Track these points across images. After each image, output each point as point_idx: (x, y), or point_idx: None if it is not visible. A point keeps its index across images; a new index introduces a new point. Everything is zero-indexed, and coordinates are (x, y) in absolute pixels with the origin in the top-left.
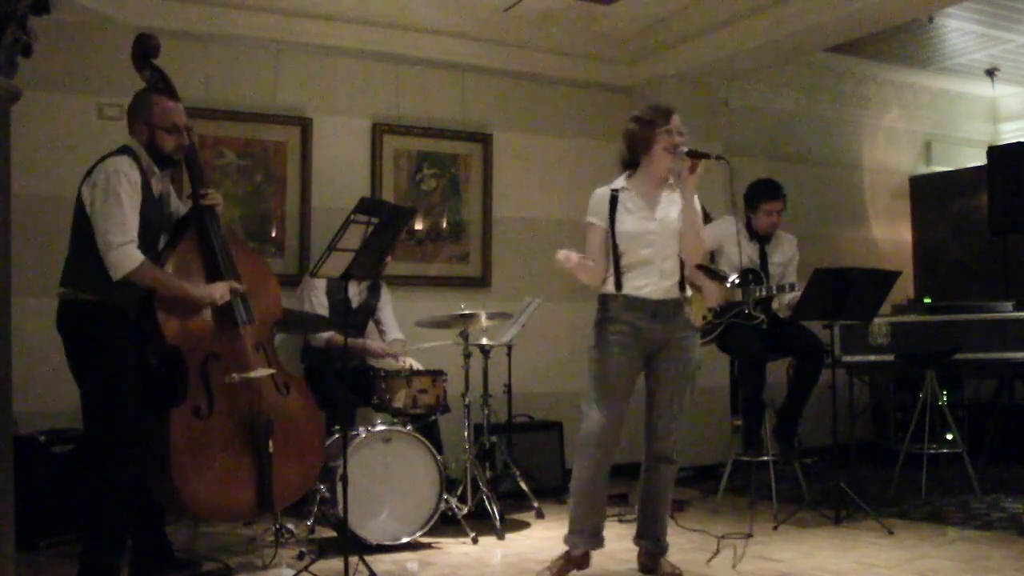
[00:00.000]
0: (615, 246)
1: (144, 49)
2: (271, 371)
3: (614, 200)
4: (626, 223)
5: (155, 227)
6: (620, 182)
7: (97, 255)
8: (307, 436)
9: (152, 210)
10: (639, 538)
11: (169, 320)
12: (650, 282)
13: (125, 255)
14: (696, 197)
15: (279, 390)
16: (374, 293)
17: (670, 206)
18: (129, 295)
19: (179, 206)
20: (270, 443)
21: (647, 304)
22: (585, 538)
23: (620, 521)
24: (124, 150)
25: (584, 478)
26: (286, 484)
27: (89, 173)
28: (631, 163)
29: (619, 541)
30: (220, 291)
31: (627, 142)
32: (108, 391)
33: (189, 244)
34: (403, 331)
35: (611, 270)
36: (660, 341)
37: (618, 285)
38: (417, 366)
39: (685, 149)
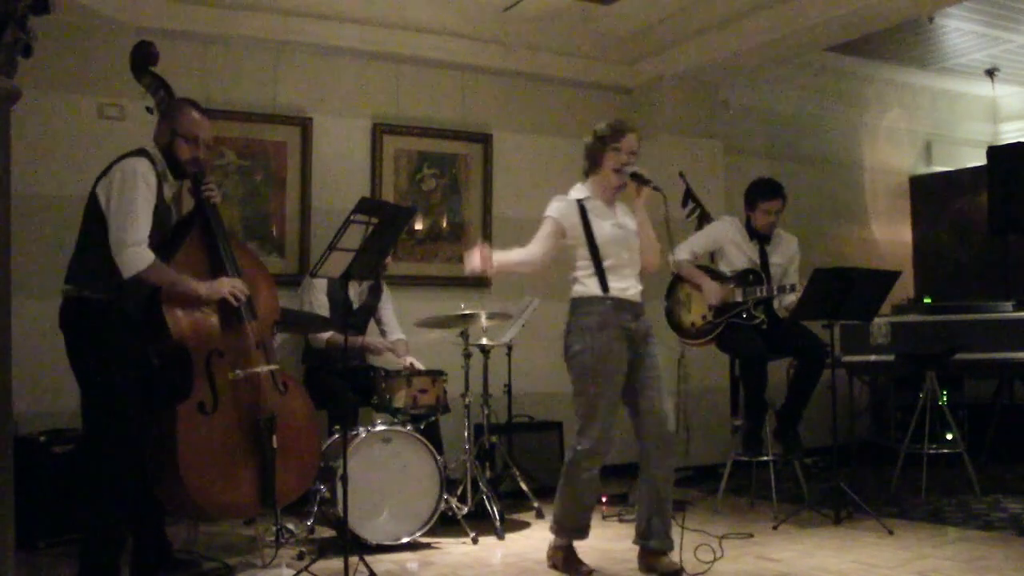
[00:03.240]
0: (596, 250)
1: (143, 57)
2: (273, 367)
3: (583, 209)
4: (605, 229)
5: (163, 232)
6: (581, 192)
7: (105, 253)
8: (305, 435)
9: (162, 214)
10: (644, 539)
11: (174, 316)
12: (630, 285)
13: (137, 255)
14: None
15: (278, 389)
16: (374, 293)
17: (626, 216)
18: (134, 294)
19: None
20: (274, 438)
21: (632, 306)
22: (576, 534)
23: (620, 521)
24: (142, 152)
25: (584, 484)
26: (284, 483)
27: (106, 172)
28: (587, 172)
29: (619, 541)
30: (228, 286)
31: (585, 154)
32: (109, 390)
33: (194, 241)
34: (403, 331)
35: (591, 273)
36: (641, 341)
37: (605, 287)
38: (419, 365)
39: (630, 171)
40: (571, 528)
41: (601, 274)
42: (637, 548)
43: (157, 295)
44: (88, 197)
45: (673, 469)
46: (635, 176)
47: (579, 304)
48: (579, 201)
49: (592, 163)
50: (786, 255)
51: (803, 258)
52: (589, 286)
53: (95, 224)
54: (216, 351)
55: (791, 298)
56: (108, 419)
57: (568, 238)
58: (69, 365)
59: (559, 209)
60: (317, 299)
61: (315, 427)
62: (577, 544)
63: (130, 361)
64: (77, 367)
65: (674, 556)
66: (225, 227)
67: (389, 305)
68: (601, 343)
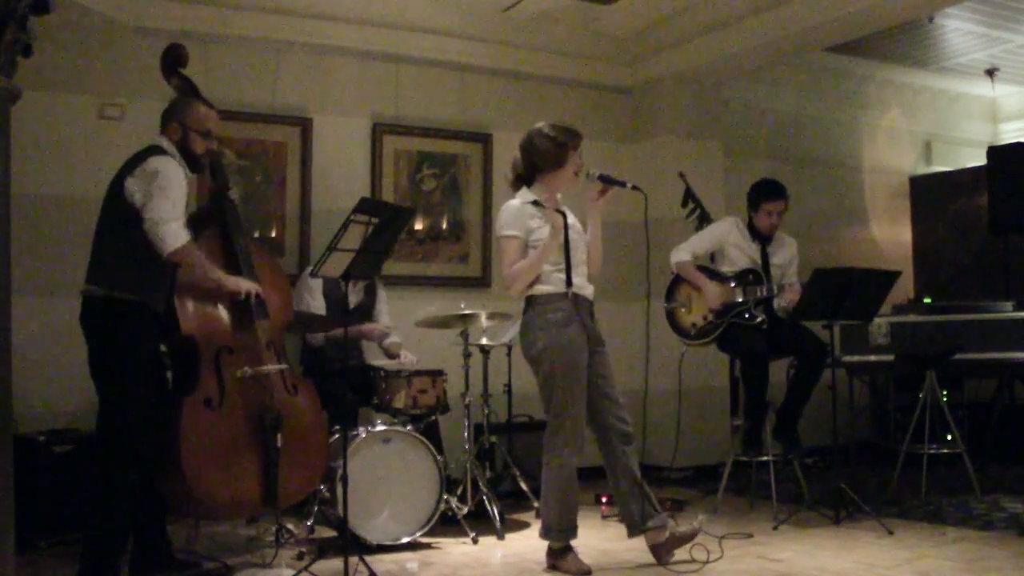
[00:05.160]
0: (568, 249)
1: (173, 58)
2: (283, 367)
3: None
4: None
5: None
6: (529, 195)
7: (133, 252)
8: (312, 437)
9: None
10: (643, 524)
11: (186, 310)
12: (586, 283)
13: (175, 230)
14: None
15: (287, 389)
16: (370, 293)
17: (569, 215)
18: (159, 293)
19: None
20: (278, 437)
21: (588, 303)
22: (567, 535)
23: (620, 521)
24: (159, 150)
25: (566, 482)
26: (290, 484)
27: (131, 170)
28: (528, 174)
29: (619, 541)
30: (247, 285)
31: (533, 155)
32: (130, 389)
33: (211, 238)
34: (403, 331)
35: (557, 270)
36: (595, 338)
37: (569, 283)
38: (414, 359)
39: (596, 172)
40: (561, 529)
41: (568, 271)
42: (638, 545)
43: (171, 288)
44: (111, 195)
45: (636, 456)
46: (604, 178)
47: (542, 300)
48: (534, 203)
49: (545, 166)
50: (786, 257)
51: (803, 258)
52: (553, 282)
53: (119, 223)
54: (226, 348)
55: (794, 291)
56: (126, 417)
57: (535, 240)
58: (88, 365)
59: (513, 221)
60: (313, 298)
61: (322, 429)
62: (577, 544)
63: (149, 362)
64: (98, 366)
65: (673, 556)
66: (244, 226)
67: (384, 305)
68: (567, 338)
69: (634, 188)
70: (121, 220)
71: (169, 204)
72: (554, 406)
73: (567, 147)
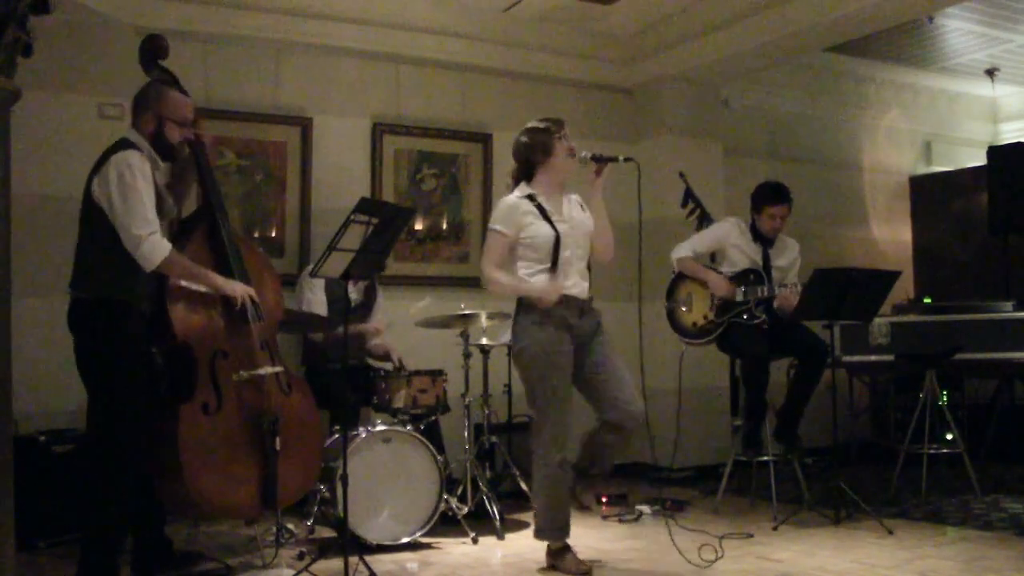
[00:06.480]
0: (557, 248)
1: (152, 50)
2: (278, 369)
3: (539, 207)
4: (559, 226)
5: (162, 219)
6: (527, 189)
7: (111, 253)
8: (308, 436)
9: (159, 202)
10: (580, 480)
11: (179, 315)
12: (575, 282)
13: (154, 246)
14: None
15: (282, 389)
16: (370, 292)
17: (573, 209)
18: (143, 291)
19: (172, 204)
20: (276, 441)
21: (576, 302)
22: (560, 534)
23: (620, 521)
24: (128, 143)
25: (555, 481)
26: (287, 484)
27: (96, 170)
28: (525, 173)
29: (619, 541)
30: (242, 289)
31: (523, 152)
32: (121, 389)
33: (199, 242)
34: (402, 331)
35: (540, 271)
36: (588, 335)
37: None
38: (397, 354)
39: (587, 154)
40: (553, 528)
41: (553, 271)
42: (638, 545)
43: (163, 293)
44: (84, 197)
45: (626, 444)
46: (597, 158)
47: (527, 301)
48: (529, 197)
49: (537, 158)
50: (789, 258)
51: (803, 258)
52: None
53: (96, 225)
54: (221, 352)
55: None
56: (118, 418)
57: (525, 236)
58: (76, 365)
59: (503, 216)
60: (315, 295)
61: (318, 428)
62: (576, 544)
63: (139, 362)
64: (87, 367)
65: (673, 556)
66: (233, 232)
67: (381, 304)
68: (543, 337)
69: (627, 160)
70: (95, 222)
71: (140, 218)
72: (535, 405)
73: (550, 132)
